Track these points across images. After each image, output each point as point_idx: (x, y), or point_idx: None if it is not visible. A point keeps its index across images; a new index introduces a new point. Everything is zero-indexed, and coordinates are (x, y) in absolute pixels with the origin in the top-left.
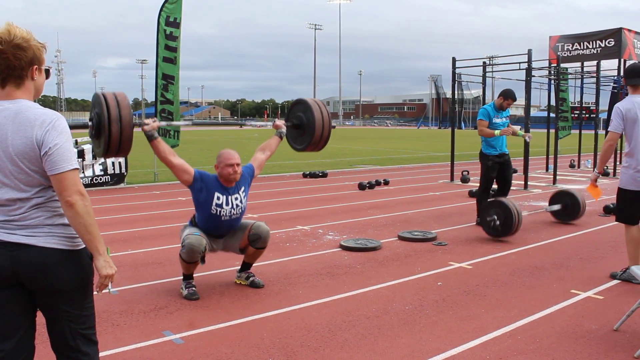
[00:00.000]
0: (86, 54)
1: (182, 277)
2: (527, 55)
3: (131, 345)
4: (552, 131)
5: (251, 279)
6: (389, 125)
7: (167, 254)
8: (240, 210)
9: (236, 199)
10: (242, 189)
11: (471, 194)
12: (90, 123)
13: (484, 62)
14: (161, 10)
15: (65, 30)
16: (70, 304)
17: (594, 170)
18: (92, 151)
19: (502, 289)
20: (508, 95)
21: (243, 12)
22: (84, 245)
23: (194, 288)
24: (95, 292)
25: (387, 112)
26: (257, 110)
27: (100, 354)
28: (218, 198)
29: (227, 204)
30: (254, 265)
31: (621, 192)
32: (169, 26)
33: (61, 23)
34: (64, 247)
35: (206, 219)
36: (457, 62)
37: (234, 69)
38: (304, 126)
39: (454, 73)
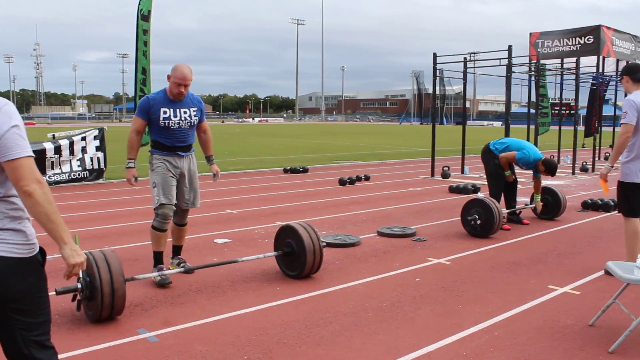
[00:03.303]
0: (66, 48)
1: (154, 267)
2: (507, 52)
3: (105, 344)
4: (532, 127)
5: (182, 265)
6: (371, 120)
7: (145, 250)
8: (189, 123)
9: (185, 112)
10: (196, 109)
11: (451, 190)
12: (79, 286)
13: (465, 58)
14: (139, 4)
15: (45, 23)
16: (22, 313)
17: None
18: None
19: (480, 285)
20: (549, 168)
21: (225, 6)
22: (35, 252)
23: (165, 274)
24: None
25: (370, 107)
26: (240, 105)
27: (73, 353)
28: (165, 112)
29: (174, 116)
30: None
31: (625, 186)
32: (142, 20)
33: (40, 15)
34: (13, 254)
35: (158, 131)
36: (438, 57)
37: (215, 63)
38: (295, 253)
39: (434, 69)
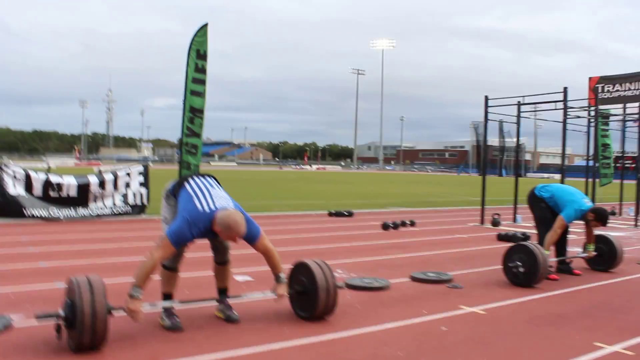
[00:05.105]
0: (136, 94)
1: (162, 309)
2: (562, 94)
3: None
4: (593, 180)
5: (227, 313)
6: (429, 171)
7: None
8: None
9: None
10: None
11: (500, 237)
12: (62, 313)
13: (519, 102)
14: (191, 44)
15: (118, 71)
16: None
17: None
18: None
19: (514, 338)
20: (600, 217)
21: (288, 57)
22: None
23: (176, 318)
24: None
25: (428, 158)
26: (299, 153)
27: None
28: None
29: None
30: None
31: None
32: (200, 59)
33: (115, 65)
34: None
35: None
36: (490, 100)
37: (277, 111)
38: (307, 292)
39: (486, 112)
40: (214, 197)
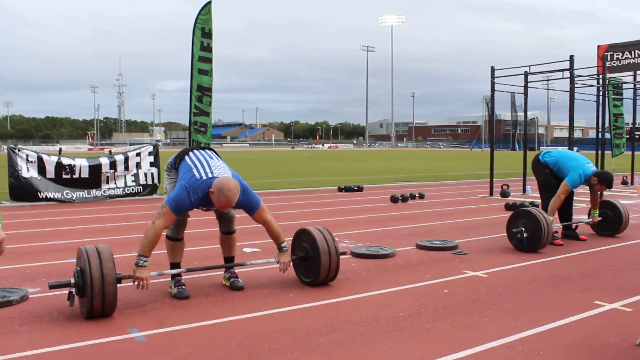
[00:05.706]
0: (146, 78)
1: (171, 278)
2: (569, 62)
3: (89, 341)
4: (606, 152)
5: (232, 279)
6: (442, 147)
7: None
8: None
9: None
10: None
11: (508, 207)
12: (73, 281)
13: (525, 72)
14: (196, 22)
15: (127, 55)
16: None
17: None
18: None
19: (514, 298)
20: (603, 180)
21: (296, 36)
22: None
23: (183, 286)
24: None
25: (441, 134)
26: (311, 132)
27: (53, 349)
28: (204, 209)
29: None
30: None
31: None
32: (205, 37)
33: (124, 49)
34: None
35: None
36: (496, 71)
37: (288, 91)
38: (310, 258)
39: (492, 83)
40: (212, 167)
